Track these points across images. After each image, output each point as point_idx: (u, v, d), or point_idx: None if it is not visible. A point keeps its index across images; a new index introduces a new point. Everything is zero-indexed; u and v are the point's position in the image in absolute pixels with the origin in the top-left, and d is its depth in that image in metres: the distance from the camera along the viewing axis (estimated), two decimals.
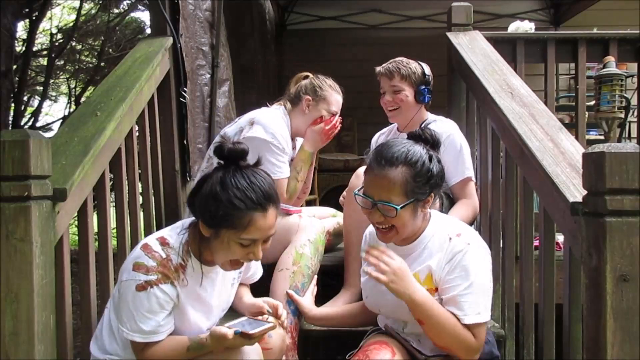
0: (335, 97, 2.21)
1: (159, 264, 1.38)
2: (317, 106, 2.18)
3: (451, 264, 1.42)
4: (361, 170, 2.00)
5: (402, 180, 1.41)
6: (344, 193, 2.21)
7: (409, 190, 1.41)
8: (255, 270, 1.72)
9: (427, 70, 2.23)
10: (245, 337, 1.38)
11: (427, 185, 1.43)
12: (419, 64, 2.24)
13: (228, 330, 1.38)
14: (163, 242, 1.43)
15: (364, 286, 1.62)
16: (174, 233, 1.46)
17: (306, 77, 2.27)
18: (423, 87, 2.20)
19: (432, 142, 1.49)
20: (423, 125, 1.52)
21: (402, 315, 1.50)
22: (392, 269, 1.38)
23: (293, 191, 2.13)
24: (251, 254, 1.39)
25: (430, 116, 2.29)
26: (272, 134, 2.05)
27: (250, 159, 1.85)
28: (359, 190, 1.48)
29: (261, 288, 1.82)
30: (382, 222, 1.45)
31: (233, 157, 1.39)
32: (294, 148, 2.25)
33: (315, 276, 1.93)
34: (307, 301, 1.83)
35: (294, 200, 2.15)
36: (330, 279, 2.03)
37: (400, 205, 1.40)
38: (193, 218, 1.47)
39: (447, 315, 1.40)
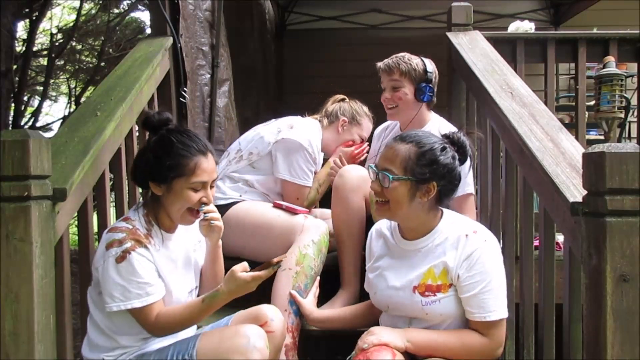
0: (368, 124, 2.34)
1: (129, 233, 1.46)
2: (350, 129, 2.30)
3: (469, 261, 1.43)
4: (345, 169, 2.06)
5: (405, 155, 1.45)
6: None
7: (408, 166, 1.44)
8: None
9: (430, 67, 2.16)
10: (265, 267, 1.50)
11: (428, 168, 1.44)
12: (422, 60, 2.17)
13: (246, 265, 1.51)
14: (125, 219, 1.53)
15: (371, 283, 1.61)
16: (132, 210, 1.59)
17: (343, 99, 2.38)
18: (424, 84, 2.13)
19: (458, 147, 1.50)
20: (456, 132, 1.53)
21: (410, 312, 1.51)
22: (373, 336, 1.42)
23: (312, 201, 2.20)
24: (204, 197, 1.53)
25: (434, 117, 2.24)
26: (309, 141, 2.14)
27: (281, 159, 2.07)
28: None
29: (264, 287, 1.82)
30: (379, 193, 1.48)
31: (162, 125, 1.55)
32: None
33: (318, 277, 1.93)
34: (309, 303, 1.83)
35: (309, 209, 2.20)
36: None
37: (394, 177, 1.43)
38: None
39: (450, 337, 1.44)
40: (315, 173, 2.24)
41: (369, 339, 1.41)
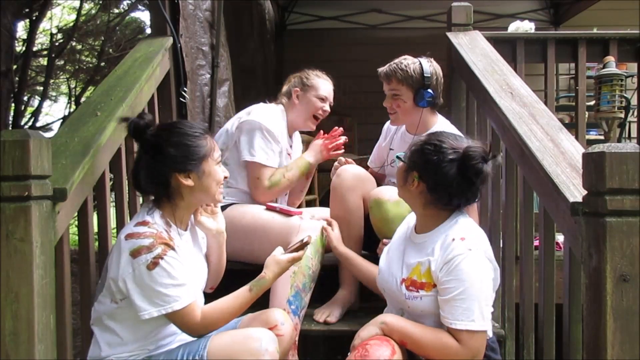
0: (321, 82, 2.27)
1: (156, 238, 1.42)
2: (305, 95, 2.25)
3: (449, 266, 1.40)
4: (342, 169, 2.08)
5: (410, 144, 1.56)
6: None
7: (407, 154, 1.54)
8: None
9: (430, 69, 2.07)
10: (299, 249, 1.63)
11: (414, 157, 1.50)
12: (421, 63, 2.09)
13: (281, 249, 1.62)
14: (144, 224, 1.46)
15: (380, 263, 1.66)
16: (145, 214, 1.51)
17: (295, 75, 2.34)
18: (422, 90, 2.06)
19: (463, 161, 1.43)
20: (474, 148, 1.44)
21: (397, 301, 1.54)
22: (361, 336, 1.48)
23: (275, 183, 2.12)
24: (220, 170, 1.58)
25: (440, 121, 2.18)
26: (267, 119, 2.11)
27: (242, 141, 2.09)
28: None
29: None
30: None
31: (149, 126, 1.52)
32: (291, 146, 2.32)
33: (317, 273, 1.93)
34: (336, 235, 1.92)
35: (272, 194, 2.15)
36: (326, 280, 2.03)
37: (397, 155, 1.59)
38: (146, 202, 1.58)
39: (427, 331, 1.44)
40: (289, 154, 2.25)
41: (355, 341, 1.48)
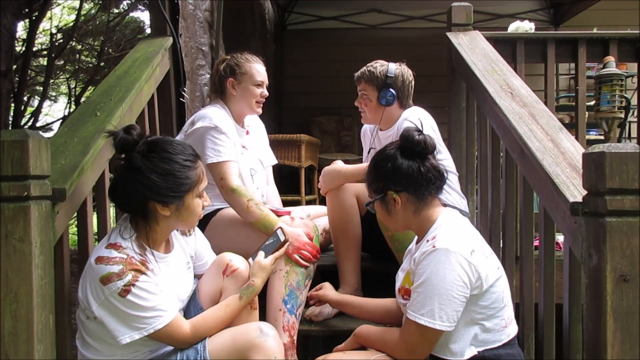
0: (255, 67, 2.20)
1: (126, 264, 1.37)
2: (241, 84, 2.17)
3: (416, 262, 1.42)
4: (330, 169, 2.10)
5: (366, 181, 1.56)
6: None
7: (371, 189, 1.54)
8: (207, 260, 1.72)
9: (395, 71, 2.16)
10: (283, 246, 1.71)
11: (379, 181, 1.49)
12: (388, 66, 2.18)
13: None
14: (116, 247, 1.40)
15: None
16: (117, 236, 1.44)
17: (223, 61, 2.25)
18: (385, 89, 2.15)
19: (407, 145, 1.47)
20: (399, 127, 1.51)
21: (404, 310, 1.52)
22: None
23: (241, 193, 1.95)
24: (204, 201, 1.53)
25: (402, 115, 2.17)
26: (211, 119, 2.03)
27: (197, 150, 1.77)
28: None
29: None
30: None
31: (140, 138, 1.44)
32: (248, 132, 2.27)
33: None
34: (327, 293, 1.83)
35: (235, 201, 1.96)
36: (329, 278, 2.02)
37: (367, 203, 1.56)
38: (123, 217, 1.50)
39: (380, 334, 1.52)
40: (243, 147, 2.16)
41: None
